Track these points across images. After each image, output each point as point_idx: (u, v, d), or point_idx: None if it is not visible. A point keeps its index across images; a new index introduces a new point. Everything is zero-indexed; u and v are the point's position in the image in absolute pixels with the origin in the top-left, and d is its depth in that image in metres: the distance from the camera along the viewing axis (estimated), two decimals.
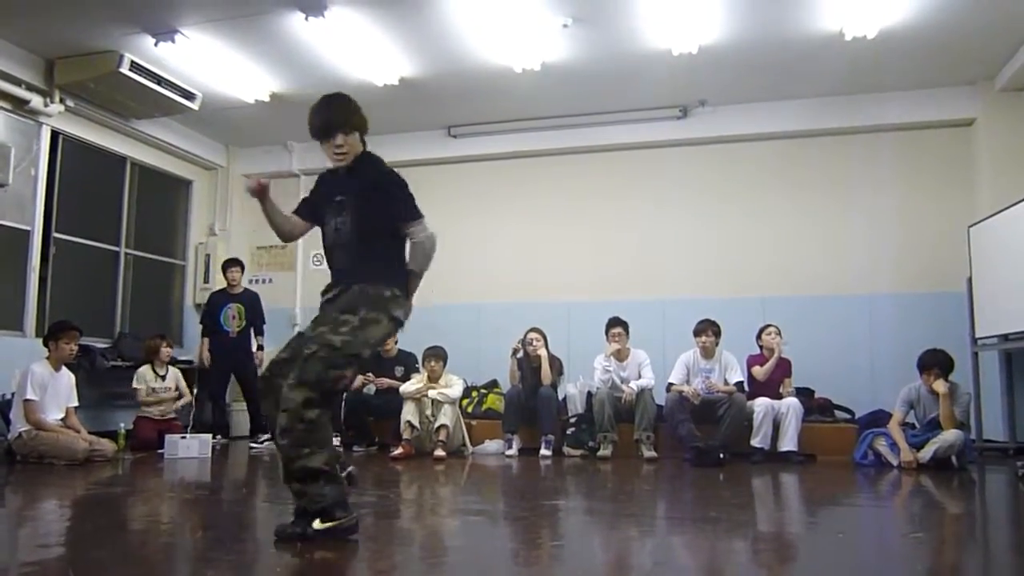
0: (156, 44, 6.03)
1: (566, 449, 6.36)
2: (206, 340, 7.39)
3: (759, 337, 6.46)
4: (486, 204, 7.94)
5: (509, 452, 6.32)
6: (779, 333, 6.38)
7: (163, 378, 6.80)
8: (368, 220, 3.07)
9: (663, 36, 5.98)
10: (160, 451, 6.11)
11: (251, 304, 7.46)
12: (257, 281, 8.41)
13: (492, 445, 6.53)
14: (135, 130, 7.50)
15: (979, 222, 6.33)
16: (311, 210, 3.26)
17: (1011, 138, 6.60)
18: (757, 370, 6.31)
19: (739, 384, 6.26)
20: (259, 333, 7.48)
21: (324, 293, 3.23)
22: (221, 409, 7.37)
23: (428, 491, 4.81)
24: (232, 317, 7.36)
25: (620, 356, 6.52)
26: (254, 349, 7.41)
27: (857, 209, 7.16)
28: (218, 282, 8.31)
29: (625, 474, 5.36)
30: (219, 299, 7.45)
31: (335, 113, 3.15)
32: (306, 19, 5.63)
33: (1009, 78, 6.42)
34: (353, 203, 3.08)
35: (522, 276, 7.73)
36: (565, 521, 3.59)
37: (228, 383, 7.38)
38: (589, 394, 6.47)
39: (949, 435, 5.41)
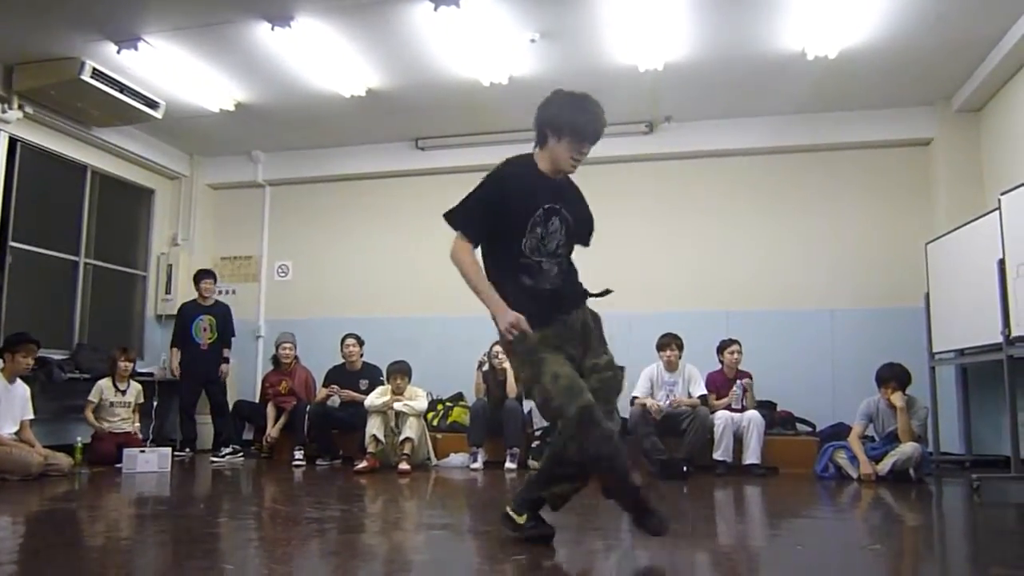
0: (119, 51, 5.95)
1: (531, 462, 6.34)
2: (176, 351, 7.34)
3: (720, 352, 6.53)
4: None
5: (474, 465, 6.30)
6: (740, 351, 6.46)
7: (123, 392, 6.68)
8: (575, 235, 3.14)
9: (629, 52, 6.04)
10: (118, 465, 5.98)
11: (223, 317, 7.47)
12: (220, 292, 8.29)
13: (457, 458, 6.50)
14: (96, 138, 7.38)
15: (936, 239, 6.46)
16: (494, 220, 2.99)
17: (966, 158, 6.77)
18: (715, 402, 6.39)
19: (703, 397, 6.32)
20: (227, 346, 7.45)
21: (557, 307, 3.03)
22: (191, 422, 7.27)
23: (392, 505, 4.76)
24: (204, 329, 7.33)
25: None
26: (227, 357, 7.42)
27: (818, 225, 7.28)
28: (181, 293, 8.23)
29: (589, 487, 5.35)
30: (191, 310, 7.40)
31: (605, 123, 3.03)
32: (272, 29, 5.59)
33: (965, 99, 6.58)
34: (568, 214, 3.06)
35: None
36: None
37: (200, 396, 7.31)
38: None
39: (907, 448, 5.51)
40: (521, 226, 2.95)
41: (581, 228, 3.16)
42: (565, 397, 2.77)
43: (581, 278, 3.28)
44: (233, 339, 7.56)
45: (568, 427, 2.78)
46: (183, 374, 7.25)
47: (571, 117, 2.94)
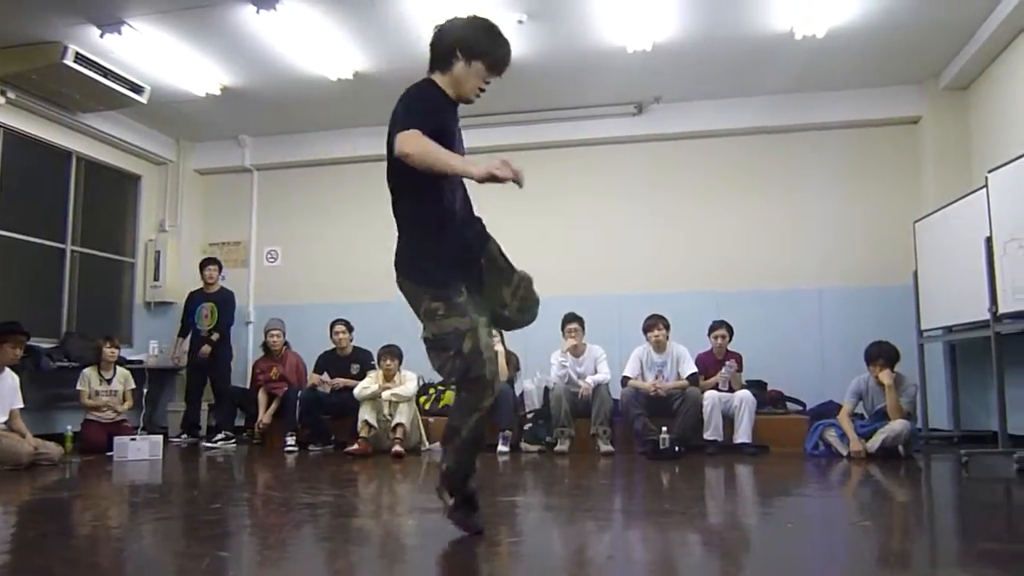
0: (102, 35, 5.88)
1: (523, 444, 6.38)
2: (180, 339, 7.50)
3: (710, 333, 6.55)
4: None
5: None
6: (728, 334, 6.49)
7: (108, 381, 6.66)
8: None
9: (618, 33, 6.01)
10: (109, 453, 5.97)
11: (223, 304, 7.52)
12: None
13: None
14: (81, 124, 7.30)
15: (924, 217, 6.49)
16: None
17: (954, 136, 6.79)
18: (705, 383, 6.41)
19: (691, 377, 6.33)
20: (219, 332, 7.40)
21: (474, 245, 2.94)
22: (195, 408, 7.33)
23: (385, 489, 4.78)
24: (205, 316, 7.43)
25: (576, 351, 6.56)
26: (215, 340, 7.33)
27: (807, 205, 7.30)
28: (170, 280, 8.22)
29: (582, 468, 5.39)
30: (195, 297, 7.54)
31: None
32: (257, 12, 5.55)
33: (953, 77, 6.59)
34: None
35: None
36: (522, 517, 3.59)
37: (204, 383, 7.39)
38: (546, 389, 6.49)
39: (896, 425, 5.56)
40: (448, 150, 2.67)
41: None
42: (488, 368, 2.71)
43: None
44: (230, 327, 7.54)
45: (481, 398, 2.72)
46: (189, 361, 7.33)
47: (490, 44, 2.73)
